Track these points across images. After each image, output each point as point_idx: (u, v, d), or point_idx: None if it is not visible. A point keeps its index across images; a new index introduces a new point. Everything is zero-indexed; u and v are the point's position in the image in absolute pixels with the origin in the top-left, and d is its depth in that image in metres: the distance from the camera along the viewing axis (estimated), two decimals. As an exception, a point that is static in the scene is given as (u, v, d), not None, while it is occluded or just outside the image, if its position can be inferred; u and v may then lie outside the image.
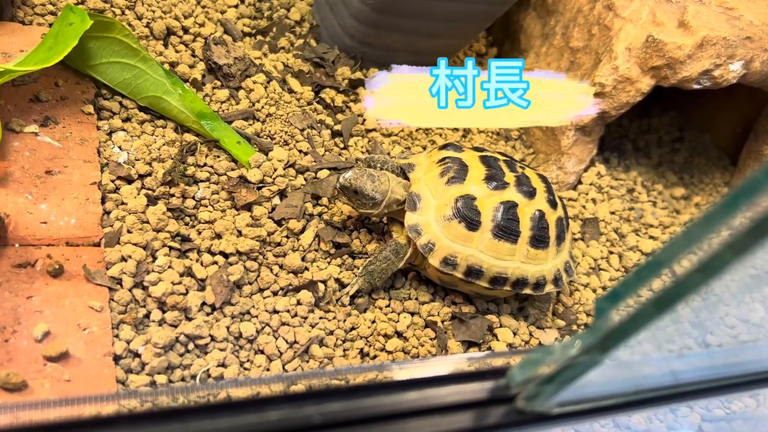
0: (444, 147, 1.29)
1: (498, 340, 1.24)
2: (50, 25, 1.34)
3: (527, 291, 1.23)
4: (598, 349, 0.60)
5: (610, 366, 0.66)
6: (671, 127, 2.02)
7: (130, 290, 1.05)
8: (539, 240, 1.21)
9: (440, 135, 1.62)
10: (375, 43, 1.61)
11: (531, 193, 1.22)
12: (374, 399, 0.63)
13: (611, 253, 1.54)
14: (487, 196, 1.19)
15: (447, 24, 1.59)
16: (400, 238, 1.23)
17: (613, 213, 1.62)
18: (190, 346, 1.04)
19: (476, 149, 1.30)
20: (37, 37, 1.28)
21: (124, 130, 1.25)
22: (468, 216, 1.16)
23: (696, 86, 1.47)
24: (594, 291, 1.44)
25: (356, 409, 0.62)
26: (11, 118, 1.15)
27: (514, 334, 1.26)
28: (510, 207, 1.19)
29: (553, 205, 1.25)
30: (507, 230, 1.18)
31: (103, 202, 1.14)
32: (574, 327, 1.35)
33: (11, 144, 1.12)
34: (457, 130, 1.65)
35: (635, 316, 0.54)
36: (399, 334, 1.19)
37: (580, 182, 1.66)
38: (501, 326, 1.27)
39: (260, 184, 1.27)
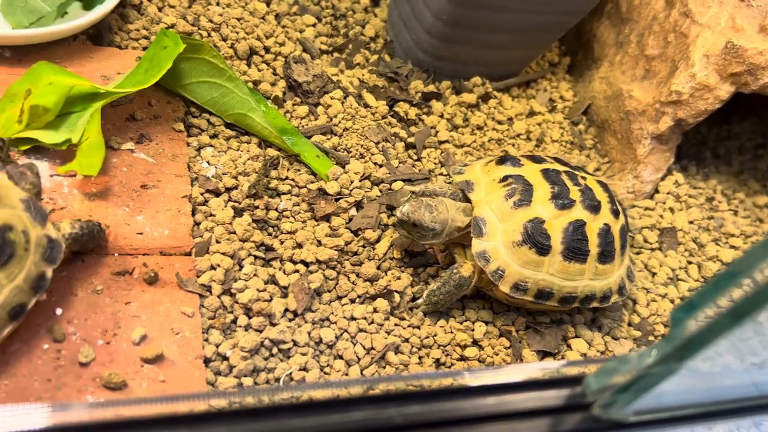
0: (501, 161, 1.26)
1: (572, 350, 1.25)
2: (144, 48, 1.42)
3: (594, 305, 1.22)
4: (674, 359, 0.61)
5: (688, 376, 0.67)
6: (753, 133, 1.96)
7: (218, 297, 1.12)
8: (606, 255, 1.20)
9: (513, 145, 1.63)
10: (447, 57, 1.64)
11: (596, 208, 1.20)
12: (453, 403, 0.66)
13: (690, 263, 1.51)
14: (555, 217, 1.17)
15: (519, 36, 1.60)
16: (463, 269, 1.19)
17: (691, 222, 1.59)
18: (274, 350, 1.10)
19: (534, 160, 1.27)
20: (132, 60, 1.36)
21: (211, 146, 1.32)
22: (538, 241, 1.15)
23: (779, 92, 1.43)
24: (672, 301, 1.42)
25: (436, 412, 0.65)
26: (110, 137, 1.23)
27: (589, 344, 1.26)
28: (579, 227, 1.17)
29: (616, 214, 1.24)
30: (577, 251, 1.17)
31: (193, 213, 1.21)
32: (651, 338, 1.33)
33: (111, 160, 1.21)
34: (529, 139, 1.66)
35: (712, 326, 0.55)
36: (475, 343, 1.21)
37: (656, 191, 1.63)
38: (576, 336, 1.27)
39: (338, 196, 1.32)
